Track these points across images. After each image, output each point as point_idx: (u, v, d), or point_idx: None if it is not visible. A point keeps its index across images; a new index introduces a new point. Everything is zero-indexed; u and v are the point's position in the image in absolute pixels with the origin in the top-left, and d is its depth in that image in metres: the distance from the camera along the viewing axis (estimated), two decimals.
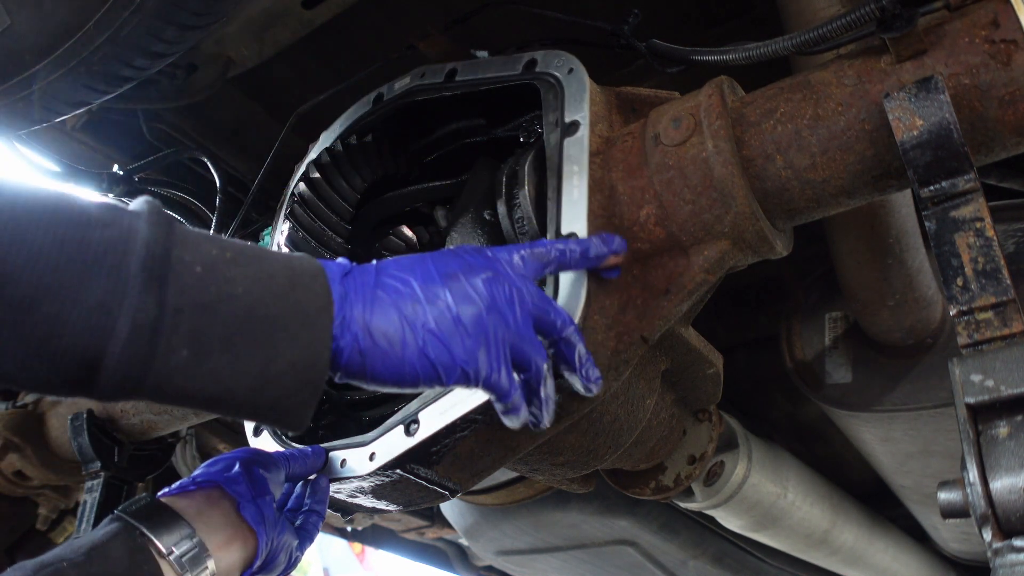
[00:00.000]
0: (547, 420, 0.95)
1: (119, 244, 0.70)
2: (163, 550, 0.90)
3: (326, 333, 0.80)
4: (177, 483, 1.02)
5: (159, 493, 1.00)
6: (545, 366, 0.93)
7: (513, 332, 0.90)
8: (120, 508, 0.94)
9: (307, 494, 1.17)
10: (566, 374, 0.98)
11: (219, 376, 0.75)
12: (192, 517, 0.95)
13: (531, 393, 0.94)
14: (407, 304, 0.85)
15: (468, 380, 0.87)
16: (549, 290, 1.07)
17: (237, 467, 1.04)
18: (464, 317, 0.86)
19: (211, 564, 0.93)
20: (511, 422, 0.94)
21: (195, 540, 0.93)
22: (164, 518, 0.93)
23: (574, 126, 1.15)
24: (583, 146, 1.13)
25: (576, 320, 1.01)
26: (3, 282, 0.65)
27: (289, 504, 1.18)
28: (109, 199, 2.07)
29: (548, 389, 0.94)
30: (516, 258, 0.96)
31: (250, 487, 1.02)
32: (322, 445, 1.18)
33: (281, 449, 1.23)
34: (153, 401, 0.75)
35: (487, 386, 0.88)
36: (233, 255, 0.77)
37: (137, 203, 0.76)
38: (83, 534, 0.90)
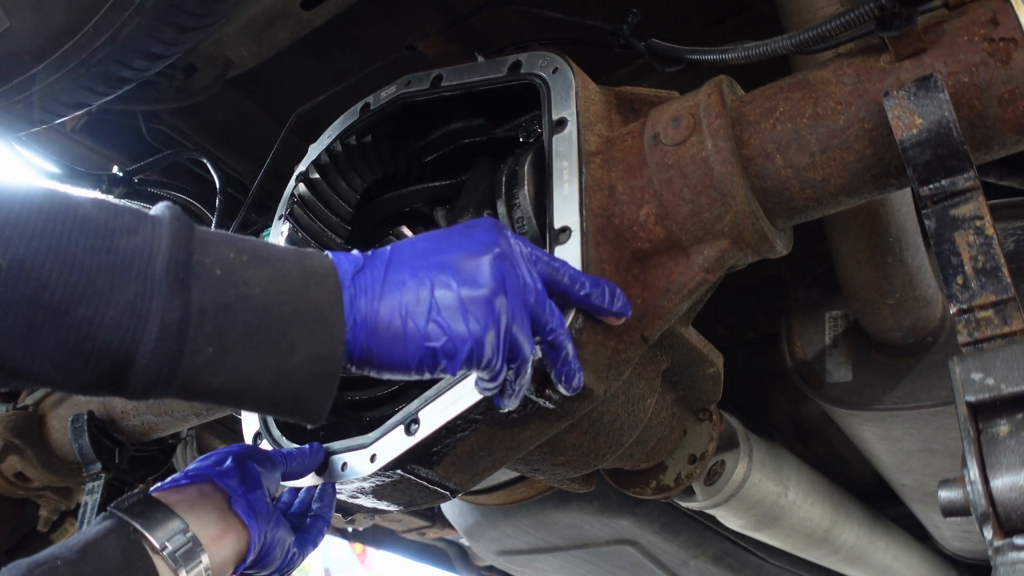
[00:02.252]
0: (512, 405, 0.99)
1: (144, 251, 0.75)
2: (156, 545, 0.90)
3: (339, 328, 0.84)
4: (169, 478, 1.02)
5: (152, 488, 1.00)
6: (531, 360, 0.96)
7: (515, 321, 0.92)
8: (113, 504, 0.94)
9: (313, 499, 1.17)
10: (549, 372, 1.00)
11: (242, 371, 0.79)
12: (184, 512, 0.94)
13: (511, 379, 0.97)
14: (413, 295, 0.87)
15: (471, 366, 0.89)
16: None
17: (229, 461, 1.04)
18: (472, 303, 0.88)
19: (205, 558, 0.93)
20: (486, 394, 0.99)
21: (188, 535, 0.93)
22: (157, 513, 0.93)
23: (561, 123, 1.17)
24: (572, 142, 1.14)
25: (567, 323, 1.01)
26: (41, 287, 0.70)
27: (294, 508, 1.17)
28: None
29: (523, 380, 0.97)
30: (531, 255, 0.98)
31: (242, 481, 1.02)
32: (323, 446, 1.18)
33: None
34: (181, 398, 0.79)
35: (486, 368, 0.91)
36: (249, 257, 0.81)
37: (158, 209, 0.80)
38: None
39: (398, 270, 0.89)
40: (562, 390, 1.01)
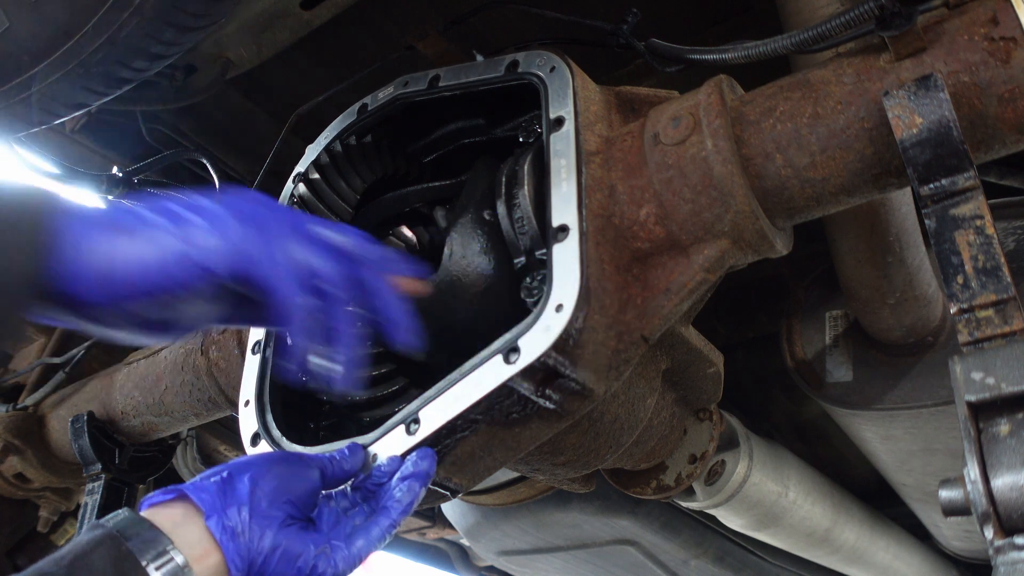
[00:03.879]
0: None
1: None
2: (143, 564, 0.89)
3: None
4: (157, 492, 1.00)
5: (142, 502, 0.99)
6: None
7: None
8: (101, 520, 0.93)
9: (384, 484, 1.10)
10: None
11: None
12: (169, 531, 0.93)
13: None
14: None
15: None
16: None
17: (222, 475, 1.01)
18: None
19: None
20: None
21: (180, 560, 0.91)
22: (144, 531, 0.92)
23: (559, 122, 1.17)
24: (569, 140, 1.14)
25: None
26: None
27: (346, 503, 1.11)
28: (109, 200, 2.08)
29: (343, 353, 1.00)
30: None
31: (220, 495, 0.98)
32: (323, 446, 1.18)
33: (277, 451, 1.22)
34: None
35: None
36: None
37: None
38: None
39: None
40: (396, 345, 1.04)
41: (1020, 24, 0.96)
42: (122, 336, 0.96)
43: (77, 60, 1.28)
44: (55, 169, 2.05)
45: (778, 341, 2.03)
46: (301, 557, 0.99)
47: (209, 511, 0.96)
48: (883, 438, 1.98)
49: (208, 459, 2.65)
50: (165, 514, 0.96)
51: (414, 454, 1.09)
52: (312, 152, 1.47)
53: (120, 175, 2.04)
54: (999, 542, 0.81)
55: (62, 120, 1.47)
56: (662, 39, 1.31)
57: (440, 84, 1.36)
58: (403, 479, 1.07)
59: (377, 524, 1.05)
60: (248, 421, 1.30)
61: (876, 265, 1.59)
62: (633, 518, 2.29)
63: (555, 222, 1.09)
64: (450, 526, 3.06)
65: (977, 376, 0.86)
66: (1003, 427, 0.84)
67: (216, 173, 1.98)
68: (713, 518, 2.23)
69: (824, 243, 1.68)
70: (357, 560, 1.03)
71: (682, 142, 1.11)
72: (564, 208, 1.09)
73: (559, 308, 1.02)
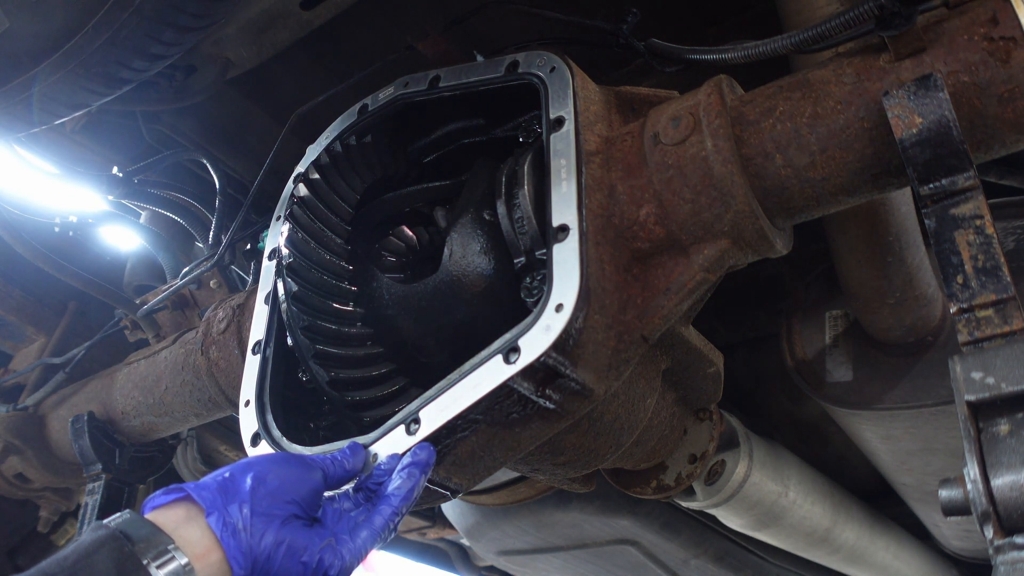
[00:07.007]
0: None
1: None
2: (144, 563, 0.89)
3: None
4: (159, 492, 1.00)
5: (145, 504, 0.99)
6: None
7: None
8: (104, 521, 0.93)
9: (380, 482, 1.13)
10: None
11: None
12: (171, 531, 0.94)
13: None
14: None
15: None
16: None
17: (225, 474, 1.01)
18: None
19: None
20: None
21: (182, 561, 0.91)
22: (145, 531, 0.92)
23: (559, 122, 1.17)
24: (569, 140, 1.14)
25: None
26: None
27: (349, 503, 1.12)
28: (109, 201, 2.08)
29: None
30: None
31: (221, 494, 0.98)
32: (323, 446, 1.18)
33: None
34: None
35: None
36: None
37: None
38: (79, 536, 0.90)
39: None
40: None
41: (1020, 24, 0.96)
42: None
43: (77, 60, 1.28)
44: (55, 169, 2.05)
45: (778, 341, 2.03)
46: (307, 551, 0.99)
47: (210, 508, 0.97)
48: (883, 438, 1.98)
49: (208, 459, 2.65)
50: (168, 514, 0.96)
51: (413, 447, 1.10)
52: (313, 152, 1.47)
53: (120, 175, 2.04)
54: (999, 541, 0.81)
55: (62, 120, 1.47)
56: (662, 39, 1.31)
57: (440, 84, 1.36)
58: (402, 468, 1.08)
59: (380, 514, 1.06)
60: (248, 421, 1.30)
61: (876, 265, 1.59)
62: (633, 518, 2.29)
63: (555, 222, 1.09)
64: (450, 526, 3.06)
65: (977, 376, 0.86)
66: (1003, 427, 0.84)
67: (216, 173, 1.98)
68: (713, 518, 2.23)
69: (824, 243, 1.68)
70: (363, 552, 1.04)
71: (682, 142, 1.11)
72: (564, 208, 1.09)
73: (559, 308, 1.02)
